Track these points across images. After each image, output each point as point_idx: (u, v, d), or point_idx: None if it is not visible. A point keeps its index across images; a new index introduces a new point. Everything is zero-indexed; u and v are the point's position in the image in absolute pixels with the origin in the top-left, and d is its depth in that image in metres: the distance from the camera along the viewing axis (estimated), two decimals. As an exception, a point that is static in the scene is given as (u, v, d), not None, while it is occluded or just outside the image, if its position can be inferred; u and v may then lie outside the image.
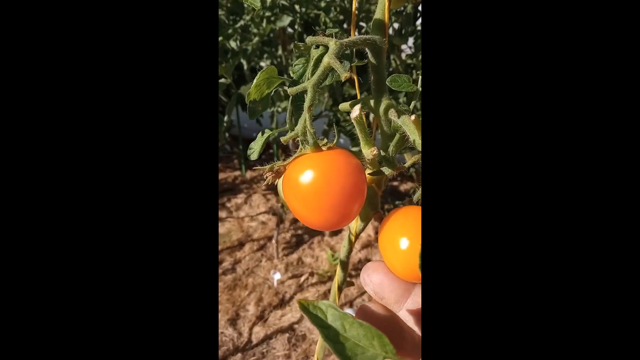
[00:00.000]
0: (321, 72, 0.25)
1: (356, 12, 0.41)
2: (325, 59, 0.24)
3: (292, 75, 0.28)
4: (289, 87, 0.27)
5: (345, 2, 0.99)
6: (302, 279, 1.46)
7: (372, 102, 0.31)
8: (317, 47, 0.27)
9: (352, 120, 0.24)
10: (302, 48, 0.28)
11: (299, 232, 1.75)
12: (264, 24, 0.95)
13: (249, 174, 2.15)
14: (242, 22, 0.99)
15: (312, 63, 0.26)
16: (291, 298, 1.38)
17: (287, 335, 1.22)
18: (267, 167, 0.26)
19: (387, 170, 0.28)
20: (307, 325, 1.26)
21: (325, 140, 0.27)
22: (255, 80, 0.26)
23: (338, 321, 0.21)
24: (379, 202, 0.41)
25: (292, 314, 1.30)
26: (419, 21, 1.09)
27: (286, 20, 0.94)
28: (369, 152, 0.25)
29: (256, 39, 1.00)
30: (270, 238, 1.68)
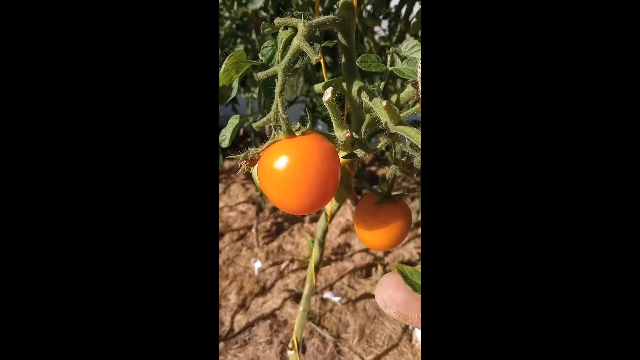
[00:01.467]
0: (291, 55, 0.24)
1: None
2: (295, 42, 0.24)
3: (261, 58, 0.27)
4: (258, 71, 0.26)
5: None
6: (283, 266, 1.47)
7: (344, 84, 0.31)
8: (286, 28, 0.26)
9: (325, 103, 0.24)
10: (269, 29, 0.27)
11: (279, 220, 1.75)
12: (235, 7, 0.92)
13: (227, 164, 2.11)
14: (212, 6, 0.96)
15: (281, 45, 0.26)
16: (272, 285, 1.38)
17: (268, 321, 1.23)
18: (241, 155, 0.26)
19: (360, 153, 0.28)
20: (289, 310, 1.27)
21: (298, 125, 0.26)
22: (223, 65, 0.25)
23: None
24: (352, 183, 0.42)
25: (273, 300, 1.31)
26: (392, 3, 1.08)
27: (258, 2, 0.91)
28: (342, 134, 0.25)
29: (228, 22, 0.97)
30: (250, 227, 1.67)
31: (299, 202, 0.25)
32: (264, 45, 0.27)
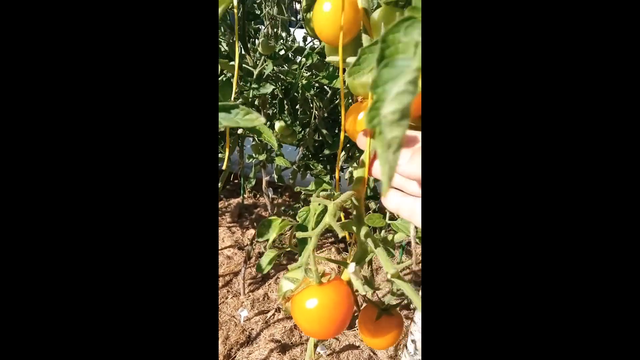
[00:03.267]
0: (322, 226, 0.35)
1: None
2: (326, 219, 0.35)
3: (298, 219, 0.39)
4: (296, 230, 0.37)
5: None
6: (269, 315, 1.52)
7: (354, 227, 0.43)
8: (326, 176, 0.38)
9: (350, 275, 0.35)
10: (303, 194, 0.38)
11: (265, 266, 1.80)
12: (251, 93, 1.06)
13: (215, 205, 2.18)
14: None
15: (315, 216, 0.37)
16: (258, 335, 1.43)
17: (254, 374, 1.27)
18: (281, 294, 0.36)
19: (366, 290, 0.39)
20: (274, 363, 1.32)
21: (322, 271, 0.37)
22: (267, 258, 0.36)
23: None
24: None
25: (259, 351, 1.36)
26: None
27: (269, 88, 1.06)
28: (362, 289, 0.36)
29: (240, 100, 1.10)
30: (235, 273, 1.72)
31: (323, 332, 0.36)
32: (301, 210, 0.38)
